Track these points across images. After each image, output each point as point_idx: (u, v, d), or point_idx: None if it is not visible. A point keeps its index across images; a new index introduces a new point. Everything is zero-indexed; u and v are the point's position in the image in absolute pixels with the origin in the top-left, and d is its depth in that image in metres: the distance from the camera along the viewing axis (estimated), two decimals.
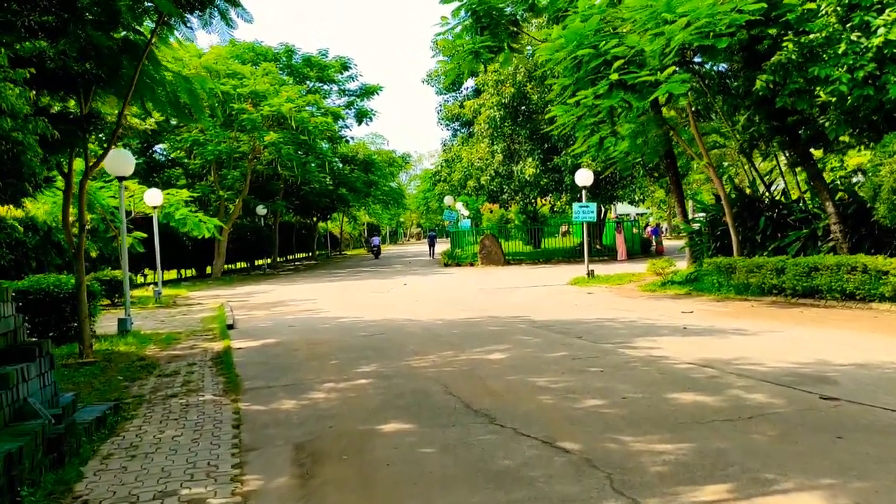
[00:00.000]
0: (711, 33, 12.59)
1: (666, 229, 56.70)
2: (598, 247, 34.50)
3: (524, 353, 9.50)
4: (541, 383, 7.52)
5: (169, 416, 6.89)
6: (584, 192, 22.09)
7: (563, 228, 50.51)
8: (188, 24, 11.49)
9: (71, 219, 23.79)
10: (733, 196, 18.40)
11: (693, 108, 19.91)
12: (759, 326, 11.07)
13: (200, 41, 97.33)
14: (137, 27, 11.52)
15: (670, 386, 7.10)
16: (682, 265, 20.66)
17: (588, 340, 10.28)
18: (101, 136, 12.83)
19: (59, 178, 11.49)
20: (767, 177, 19.56)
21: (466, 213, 52.90)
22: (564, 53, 14.22)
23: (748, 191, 18.67)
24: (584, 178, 21.66)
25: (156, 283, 21.75)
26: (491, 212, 44.19)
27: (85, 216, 10.74)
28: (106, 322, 14.68)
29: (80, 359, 10.26)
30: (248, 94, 29.73)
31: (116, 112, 12.67)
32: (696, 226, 19.40)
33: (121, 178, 13.25)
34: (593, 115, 15.42)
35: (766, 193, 18.70)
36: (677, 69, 13.08)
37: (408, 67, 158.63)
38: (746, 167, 19.51)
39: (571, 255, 34.20)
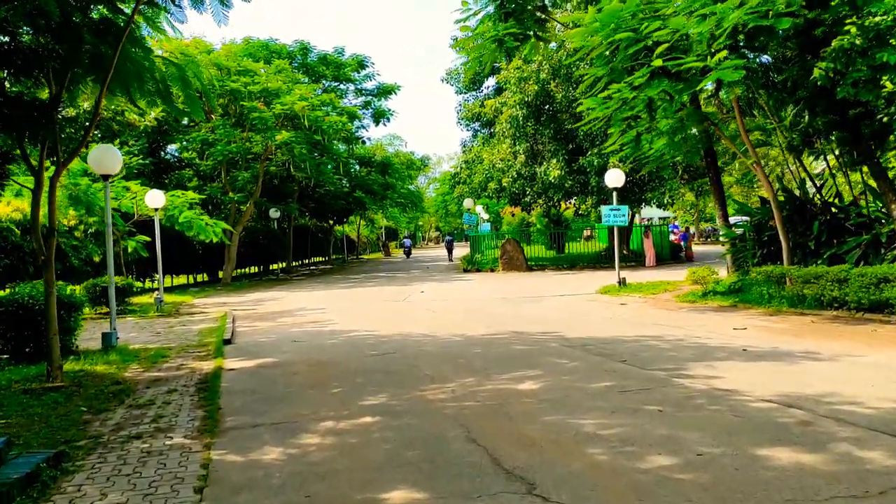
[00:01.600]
0: (770, 12, 11.02)
1: (693, 234, 54.70)
2: (625, 252, 32.80)
3: (561, 382, 8.00)
4: (588, 428, 6.03)
5: (121, 471, 5.48)
6: (614, 194, 20.53)
7: (587, 233, 48.87)
8: (175, 1, 10.15)
9: (72, 221, 22.53)
10: (781, 199, 16.79)
11: (737, 102, 18.36)
12: (832, 349, 9.48)
13: (211, 37, 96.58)
14: (119, 4, 10.19)
15: (755, 436, 5.58)
16: (722, 273, 19.06)
17: (634, 365, 8.77)
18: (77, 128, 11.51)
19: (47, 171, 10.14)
20: (817, 178, 17.89)
21: (486, 216, 51.44)
22: (600, 38, 12.70)
23: (797, 193, 17.05)
24: (614, 178, 20.11)
25: (157, 290, 20.46)
26: (513, 215, 42.67)
27: (55, 217, 9.39)
28: (97, 333, 13.35)
29: (47, 382, 8.90)
30: (260, 92, 28.47)
31: (105, 103, 11.38)
32: (738, 231, 17.77)
33: (105, 177, 11.92)
34: (629, 108, 13.87)
35: (817, 196, 17.05)
36: (729, 55, 11.51)
37: (426, 67, 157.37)
38: (794, 167, 17.86)
39: (597, 261, 32.64)
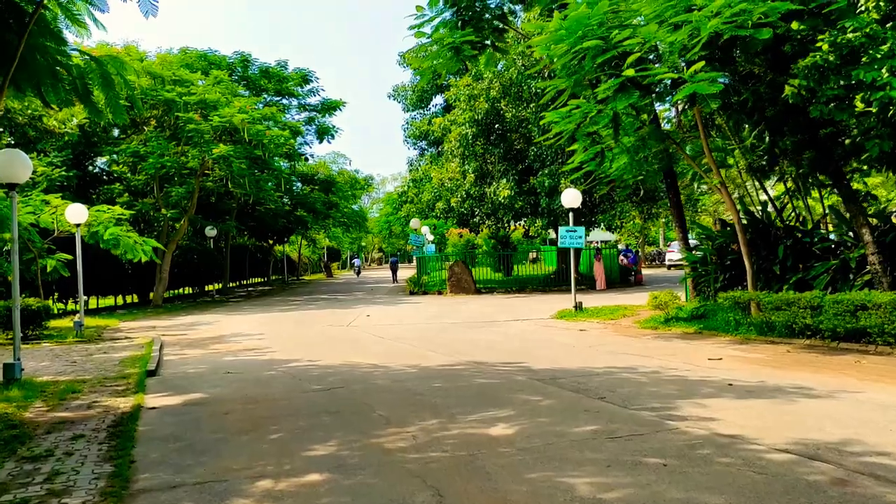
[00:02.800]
0: (750, 22, 10.34)
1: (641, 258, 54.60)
2: (574, 275, 32.15)
3: (538, 425, 6.95)
4: (583, 489, 4.98)
5: None
6: (570, 214, 19.76)
7: (532, 255, 48.31)
8: None
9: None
10: (744, 222, 16.22)
11: (692, 123, 17.83)
12: (824, 383, 8.69)
13: (145, 44, 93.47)
14: None
15: (789, 501, 4.61)
16: (682, 298, 18.42)
17: (615, 403, 7.77)
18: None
19: None
20: (777, 201, 17.43)
21: (431, 237, 50.49)
22: (565, 46, 11.84)
23: (759, 216, 16.52)
24: (571, 199, 19.35)
25: (78, 313, 18.71)
26: (460, 236, 41.72)
27: None
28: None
29: None
30: (197, 104, 26.92)
31: (17, 105, 10.01)
32: (699, 254, 17.14)
33: (10, 186, 10.42)
34: (594, 123, 13.07)
35: (778, 219, 16.55)
36: (705, 66, 10.77)
37: (371, 84, 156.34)
38: (754, 190, 17.38)
39: (546, 284, 31.94)
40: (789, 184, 17.22)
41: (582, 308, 19.08)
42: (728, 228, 16.92)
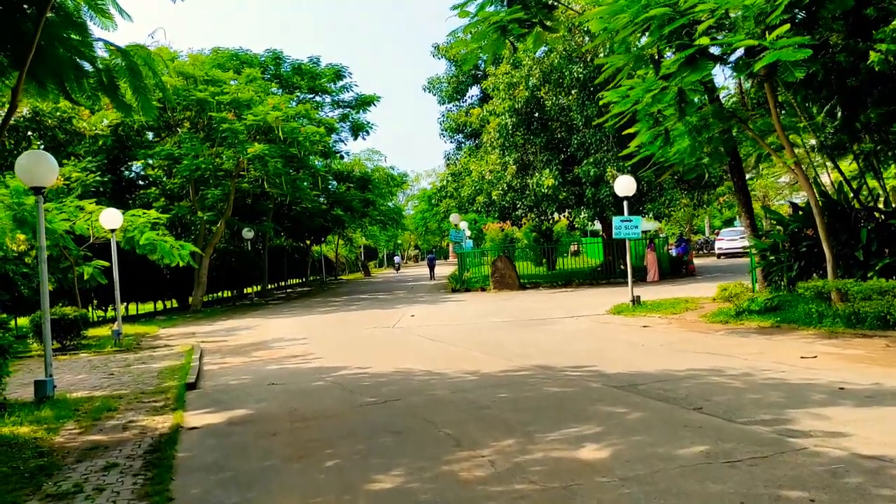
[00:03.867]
0: None
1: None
2: (622, 267, 30.98)
3: (634, 445, 5.96)
4: None
5: None
6: (625, 203, 18.61)
7: (574, 248, 47.10)
8: None
9: (22, 246, 20.19)
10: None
11: (755, 101, 16.59)
12: None
13: (177, 45, 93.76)
14: None
15: None
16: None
17: (718, 416, 6.74)
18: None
19: None
20: (853, 181, 16.12)
21: (468, 232, 49.53)
22: (627, 17, 10.76)
23: (835, 198, 15.25)
24: (625, 186, 18.21)
25: (116, 322, 18.13)
26: (502, 230, 40.70)
27: None
28: (40, 375, 11.11)
29: None
30: (230, 103, 26.28)
31: (44, 106, 9.33)
32: (769, 241, 15.91)
33: (37, 190, 9.73)
34: (658, 101, 11.98)
35: (855, 201, 15.26)
36: (789, 31, 9.64)
37: (404, 79, 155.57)
38: (819, 171, 16.11)
39: (592, 278, 30.77)
40: (862, 163, 15.93)
41: (640, 302, 17.96)
42: (800, 212, 15.68)
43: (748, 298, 14.65)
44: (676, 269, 31.21)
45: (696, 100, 12.68)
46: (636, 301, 17.94)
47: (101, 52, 9.82)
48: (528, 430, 6.68)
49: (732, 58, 11.21)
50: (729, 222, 59.19)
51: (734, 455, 5.47)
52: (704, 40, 9.78)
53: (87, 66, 9.60)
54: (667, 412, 7.02)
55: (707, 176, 25.39)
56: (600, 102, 13.44)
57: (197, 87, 26.00)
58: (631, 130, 14.23)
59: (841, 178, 15.56)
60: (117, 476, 6.17)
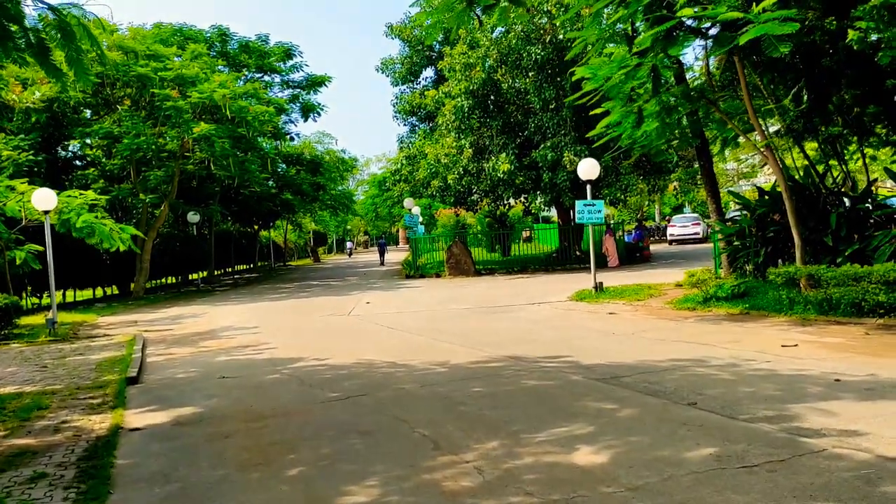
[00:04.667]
0: None
1: (650, 232, 52.06)
2: (577, 253, 30.73)
3: (634, 446, 5.39)
4: None
5: None
6: (588, 187, 18.15)
7: (526, 234, 46.78)
8: None
9: None
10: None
11: (720, 82, 16.26)
12: None
13: (117, 17, 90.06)
14: None
15: None
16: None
17: (716, 412, 6.23)
18: None
19: None
20: (820, 166, 15.92)
21: (421, 218, 48.79)
22: None
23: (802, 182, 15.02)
24: (588, 169, 17.74)
25: (50, 310, 16.91)
26: (457, 215, 40.07)
27: None
28: None
29: None
30: (174, 80, 24.97)
31: None
32: (734, 226, 15.62)
33: None
34: (632, 77, 11.46)
35: (821, 185, 15.05)
36: (774, 5, 9.18)
37: (356, 61, 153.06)
38: (795, 153, 15.89)
39: (548, 264, 30.38)
40: (826, 147, 15.75)
41: (603, 289, 17.56)
42: (766, 197, 15.43)
43: (715, 285, 14.33)
44: (631, 255, 31.08)
45: (667, 78, 12.18)
46: (599, 287, 17.54)
47: (29, 9, 8.84)
48: (512, 430, 6.07)
49: (713, 31, 10.74)
50: (678, 209, 59.64)
51: (748, 458, 4.94)
52: (688, 11, 9.28)
53: (13, 27, 8.60)
54: (660, 408, 6.49)
55: (676, 160, 25.17)
56: (573, 78, 12.83)
57: (138, 62, 24.61)
58: (599, 110, 13.72)
59: (806, 163, 15.34)
60: (45, 489, 5.35)
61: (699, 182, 47.65)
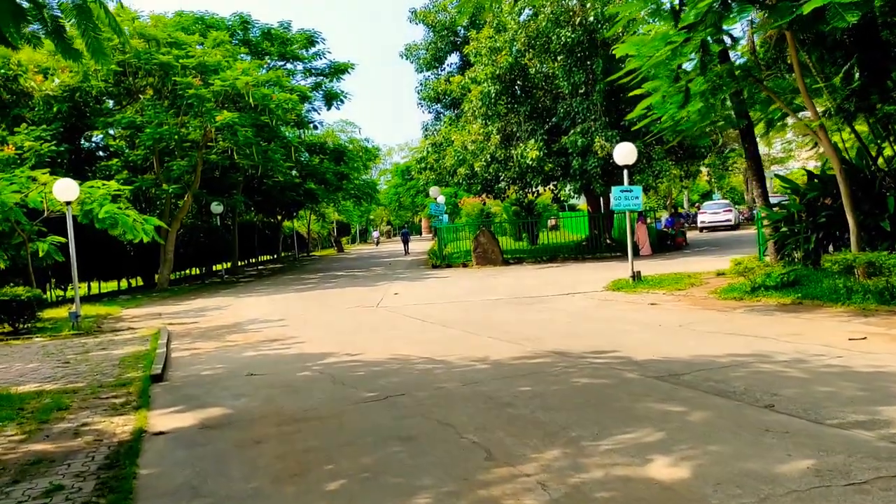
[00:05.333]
0: None
1: (684, 219, 50.49)
2: (608, 241, 29.99)
3: (716, 457, 4.78)
4: None
5: None
6: (625, 172, 17.42)
7: (552, 222, 46.01)
8: None
9: None
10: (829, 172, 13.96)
11: (764, 62, 15.46)
12: None
13: (138, 3, 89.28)
14: None
15: None
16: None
17: (798, 416, 5.60)
18: None
19: None
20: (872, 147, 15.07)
21: (445, 207, 48.18)
22: None
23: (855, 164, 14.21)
24: (625, 154, 17.02)
25: (74, 303, 16.56)
26: (484, 203, 39.40)
27: None
28: None
29: None
30: (196, 67, 24.55)
31: None
32: (783, 212, 14.85)
33: None
34: (680, 54, 10.75)
35: (874, 167, 14.24)
36: None
37: (380, 47, 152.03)
38: (845, 134, 15.05)
39: (578, 252, 29.66)
40: (880, 127, 14.90)
41: (640, 278, 16.87)
42: (815, 181, 14.65)
43: (763, 273, 13.59)
44: (662, 242, 30.27)
45: (715, 55, 11.45)
46: (636, 277, 16.85)
47: None
48: (571, 437, 5.48)
49: (769, 1, 10.00)
50: (707, 196, 58.53)
51: (853, 474, 4.31)
52: None
53: (24, 3, 8.12)
54: (734, 411, 5.86)
55: (710, 144, 24.32)
56: (618, 54, 12.05)
57: (160, 49, 24.20)
58: (639, 91, 13.01)
59: (857, 144, 14.51)
60: (62, 502, 4.86)
61: (731, 168, 46.71)
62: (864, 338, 8.80)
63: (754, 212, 47.56)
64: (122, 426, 6.95)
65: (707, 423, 5.59)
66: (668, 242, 30.50)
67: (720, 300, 13.58)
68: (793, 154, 41.23)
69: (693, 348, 8.78)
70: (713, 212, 42.03)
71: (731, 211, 42.51)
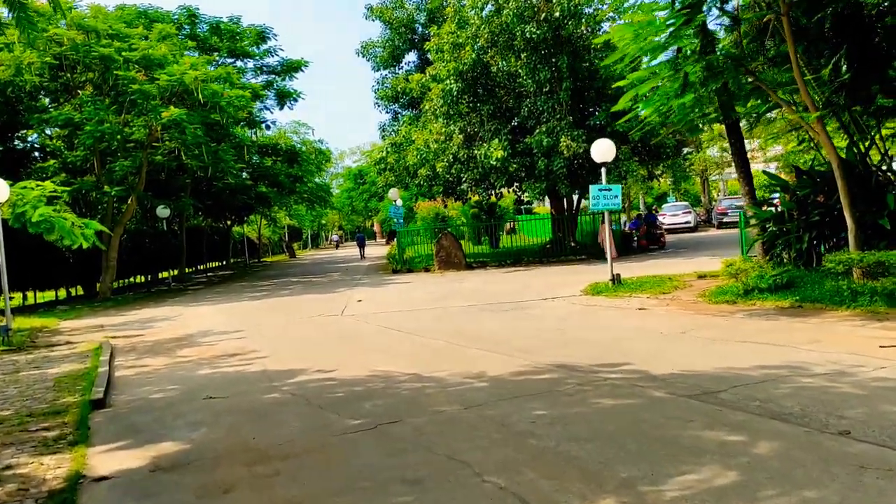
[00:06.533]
0: None
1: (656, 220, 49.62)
2: (572, 244, 29.24)
3: None
4: None
5: None
6: (603, 170, 16.56)
7: (509, 225, 45.24)
8: None
9: None
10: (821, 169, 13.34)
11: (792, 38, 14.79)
12: None
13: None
14: None
15: None
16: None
17: (888, 446, 4.67)
18: None
19: None
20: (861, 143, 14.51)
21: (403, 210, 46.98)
22: None
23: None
24: (603, 151, 16.15)
25: (4, 315, 14.91)
26: (445, 206, 38.34)
27: None
28: None
29: None
30: (140, 61, 22.95)
31: None
32: (770, 210, 14.17)
33: None
34: (677, 37, 9.88)
35: (868, 163, 13.64)
36: None
37: (334, 47, 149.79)
38: (829, 128, 14.42)
39: (542, 255, 28.81)
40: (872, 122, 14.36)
41: (620, 281, 16.02)
42: (806, 177, 14.00)
43: (756, 275, 12.83)
44: (627, 245, 29.68)
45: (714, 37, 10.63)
46: (616, 280, 16.00)
47: None
48: (622, 479, 4.44)
49: None
50: (661, 198, 58.55)
51: None
52: None
53: None
54: (806, 440, 4.91)
55: (674, 144, 23.72)
56: (596, 41, 11.12)
57: (100, 42, 22.53)
58: (625, 83, 12.14)
59: (848, 139, 13.92)
60: None
61: (689, 170, 46.64)
62: (894, 346, 8.01)
63: (712, 213, 47.79)
64: (53, 469, 5.68)
65: (782, 456, 4.61)
66: (632, 245, 29.90)
67: (712, 304, 12.78)
68: (759, 152, 41.17)
69: (712, 360, 7.86)
70: (672, 214, 41.84)
71: (690, 213, 42.45)
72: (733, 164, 15.31)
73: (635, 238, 30.30)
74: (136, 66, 23.03)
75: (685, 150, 39.01)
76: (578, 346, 9.32)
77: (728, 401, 6.04)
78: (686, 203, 44.93)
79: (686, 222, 41.00)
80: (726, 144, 46.55)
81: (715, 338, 9.38)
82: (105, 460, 5.87)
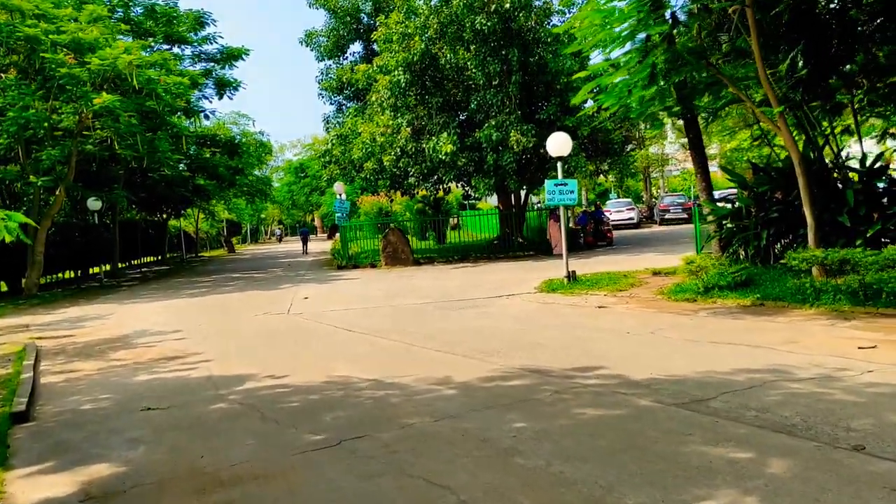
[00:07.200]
0: None
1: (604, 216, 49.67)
2: (519, 240, 28.97)
3: None
4: None
5: None
6: (559, 165, 16.19)
7: (453, 221, 44.89)
8: None
9: None
10: (777, 165, 13.22)
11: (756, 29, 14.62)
12: None
13: None
14: None
15: None
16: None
17: (890, 458, 4.32)
18: None
19: None
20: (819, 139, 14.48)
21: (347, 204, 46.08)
22: None
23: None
24: (559, 144, 15.77)
25: None
26: (391, 200, 37.61)
27: None
28: None
29: None
30: (69, 44, 21.57)
31: None
32: (728, 206, 14.00)
33: None
34: (646, 25, 9.50)
35: (825, 160, 13.60)
36: None
37: (279, 35, 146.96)
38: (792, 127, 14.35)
39: (490, 251, 28.44)
40: (827, 119, 14.35)
41: (576, 278, 15.70)
42: (762, 174, 13.88)
43: (716, 272, 12.62)
44: (575, 241, 29.53)
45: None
46: (572, 277, 15.66)
47: None
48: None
49: None
50: (603, 195, 59.06)
51: None
52: None
53: None
54: (821, 456, 4.51)
55: (622, 140, 23.63)
56: (554, 30, 10.67)
57: (24, 22, 21.09)
58: (584, 73, 11.77)
59: (805, 136, 13.84)
60: None
61: (633, 168, 47.00)
62: (874, 346, 7.78)
63: (654, 210, 48.30)
64: None
65: (801, 478, 4.19)
66: (579, 241, 29.79)
67: (671, 302, 12.52)
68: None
69: (689, 362, 7.48)
70: (617, 210, 42.11)
71: (633, 209, 42.86)
72: (690, 158, 15.13)
73: (582, 234, 30.20)
74: (65, 50, 21.65)
75: (628, 147, 39.35)
76: (544, 348, 8.85)
77: (721, 410, 5.63)
78: (629, 200, 45.36)
79: (630, 219, 41.34)
80: (668, 141, 47.16)
81: (684, 338, 9.04)
82: (26, 487, 5.11)
